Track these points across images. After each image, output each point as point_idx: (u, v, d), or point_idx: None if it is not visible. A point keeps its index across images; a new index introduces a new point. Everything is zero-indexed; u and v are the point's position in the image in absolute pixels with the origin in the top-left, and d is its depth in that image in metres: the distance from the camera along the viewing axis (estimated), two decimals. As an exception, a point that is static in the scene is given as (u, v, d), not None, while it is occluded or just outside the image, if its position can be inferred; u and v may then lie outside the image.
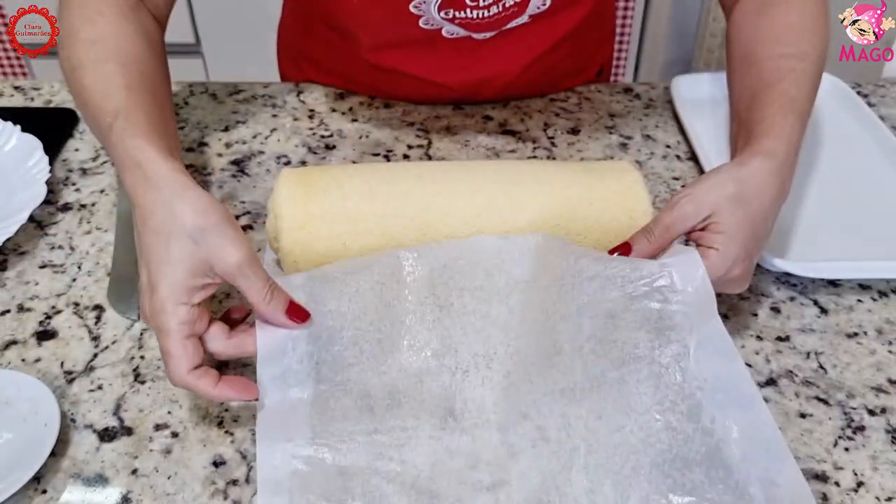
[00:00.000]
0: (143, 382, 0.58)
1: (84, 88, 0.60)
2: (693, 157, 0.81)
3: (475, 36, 0.81)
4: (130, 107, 0.58)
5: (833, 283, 0.67)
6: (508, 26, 0.80)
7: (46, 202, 0.73)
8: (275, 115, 0.87)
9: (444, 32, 0.80)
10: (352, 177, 0.64)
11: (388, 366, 0.56)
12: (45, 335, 0.62)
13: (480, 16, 0.77)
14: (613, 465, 0.51)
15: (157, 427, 0.55)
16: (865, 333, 0.63)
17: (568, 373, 0.54)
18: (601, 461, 0.51)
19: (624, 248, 0.59)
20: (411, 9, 0.76)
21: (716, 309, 0.54)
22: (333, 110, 0.88)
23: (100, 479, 0.52)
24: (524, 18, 0.80)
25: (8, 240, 0.67)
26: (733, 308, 0.65)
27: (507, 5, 0.77)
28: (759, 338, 0.62)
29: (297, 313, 0.54)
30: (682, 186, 0.77)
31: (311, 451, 0.51)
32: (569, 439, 0.52)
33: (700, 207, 0.58)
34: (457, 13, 0.77)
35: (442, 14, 0.77)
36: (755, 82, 0.68)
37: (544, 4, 0.79)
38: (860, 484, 0.53)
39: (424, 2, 0.76)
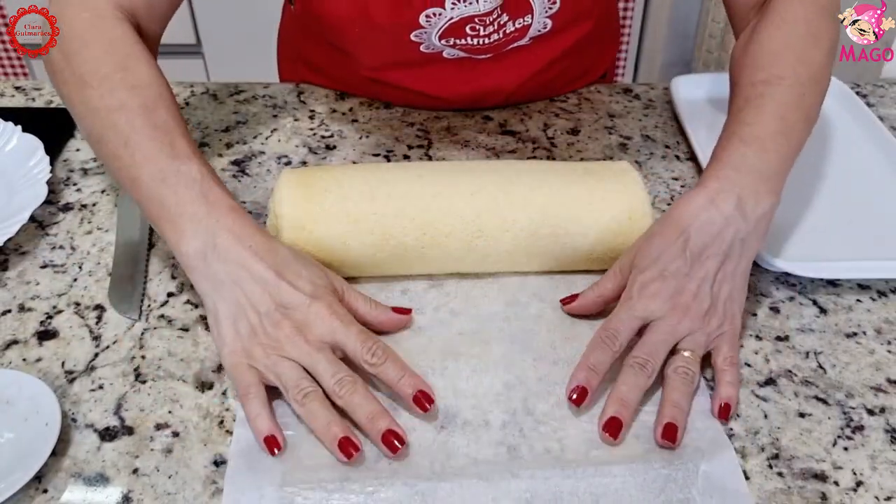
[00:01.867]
0: (143, 382, 0.58)
1: (135, 129, 0.61)
2: (692, 158, 0.81)
3: (475, 57, 0.81)
4: (197, 156, 0.61)
5: (832, 283, 0.67)
6: (509, 48, 0.80)
7: (47, 202, 0.73)
8: (275, 116, 0.87)
9: (444, 55, 0.80)
10: (352, 177, 0.64)
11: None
12: (46, 335, 0.62)
13: (481, 42, 0.77)
14: None
15: (158, 426, 0.55)
16: (864, 333, 0.63)
17: (571, 457, 0.53)
18: None
19: (570, 299, 0.63)
20: (412, 37, 0.76)
21: (728, 442, 0.54)
22: (334, 111, 0.88)
23: (101, 479, 0.52)
24: (525, 41, 0.80)
25: (9, 240, 0.67)
26: (733, 308, 0.65)
27: (507, 31, 0.77)
28: (758, 337, 0.63)
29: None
30: (682, 187, 0.78)
31: (277, 500, 0.50)
32: None
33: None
34: (458, 41, 0.77)
35: (443, 41, 0.77)
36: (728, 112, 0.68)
37: (545, 27, 0.79)
38: (859, 483, 0.53)
39: (425, 31, 0.76)
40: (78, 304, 0.65)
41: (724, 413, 0.56)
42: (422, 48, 0.78)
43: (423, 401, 0.54)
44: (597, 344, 0.57)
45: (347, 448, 0.52)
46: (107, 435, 0.55)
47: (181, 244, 0.58)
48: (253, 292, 0.56)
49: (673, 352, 0.57)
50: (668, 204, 0.75)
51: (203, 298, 0.58)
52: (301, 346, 0.55)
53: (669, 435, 0.54)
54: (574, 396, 0.55)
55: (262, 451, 0.53)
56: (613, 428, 0.54)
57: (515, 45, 0.80)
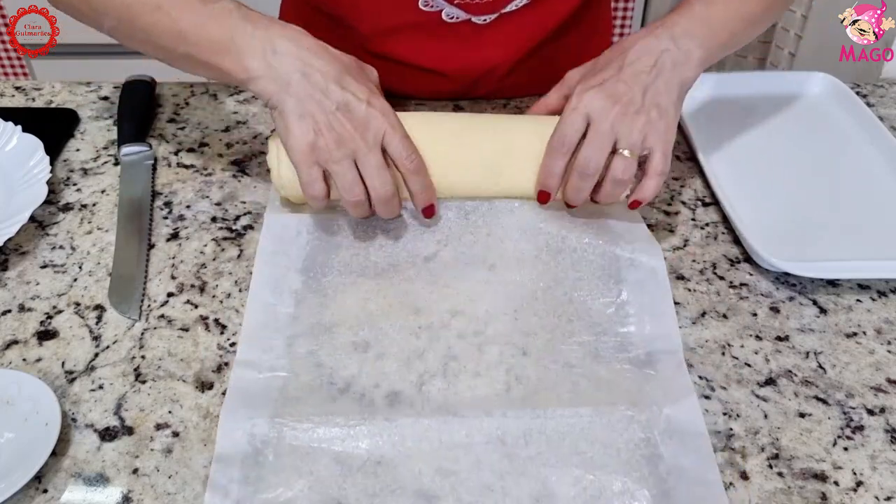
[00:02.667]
0: (143, 382, 0.58)
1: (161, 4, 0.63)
2: (692, 158, 0.81)
3: (475, 19, 0.81)
4: None
5: (832, 283, 0.67)
6: (508, 9, 0.80)
7: (47, 202, 0.73)
8: (275, 116, 0.87)
9: (443, 15, 0.80)
10: None
11: (359, 368, 0.58)
12: (46, 335, 0.62)
13: None
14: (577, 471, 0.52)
15: (158, 426, 0.56)
16: (864, 333, 0.63)
17: (541, 401, 0.56)
18: (561, 466, 0.53)
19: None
20: None
21: (692, 389, 0.57)
22: (334, 110, 0.88)
23: (101, 479, 0.52)
24: (524, 0, 0.80)
25: (9, 240, 0.67)
26: (732, 308, 0.65)
27: None
28: (758, 337, 0.63)
29: None
30: (682, 187, 0.78)
31: (268, 430, 0.53)
32: (526, 447, 0.53)
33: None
34: None
35: None
36: None
37: None
38: (859, 483, 0.53)
39: None
40: (78, 304, 0.65)
41: (634, 205, 0.66)
42: (420, 4, 0.78)
43: (429, 211, 0.67)
44: (551, 151, 0.65)
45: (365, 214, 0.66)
46: (107, 435, 0.55)
47: (245, 61, 0.62)
48: (317, 87, 0.62)
49: (613, 152, 0.64)
50: (669, 204, 0.75)
51: (270, 100, 0.62)
52: (359, 143, 0.62)
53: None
54: (541, 200, 0.67)
55: (256, 391, 0.56)
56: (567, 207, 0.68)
57: (514, 5, 0.80)
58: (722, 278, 0.68)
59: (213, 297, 0.65)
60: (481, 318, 0.61)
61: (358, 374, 0.58)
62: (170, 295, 0.65)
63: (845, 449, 0.55)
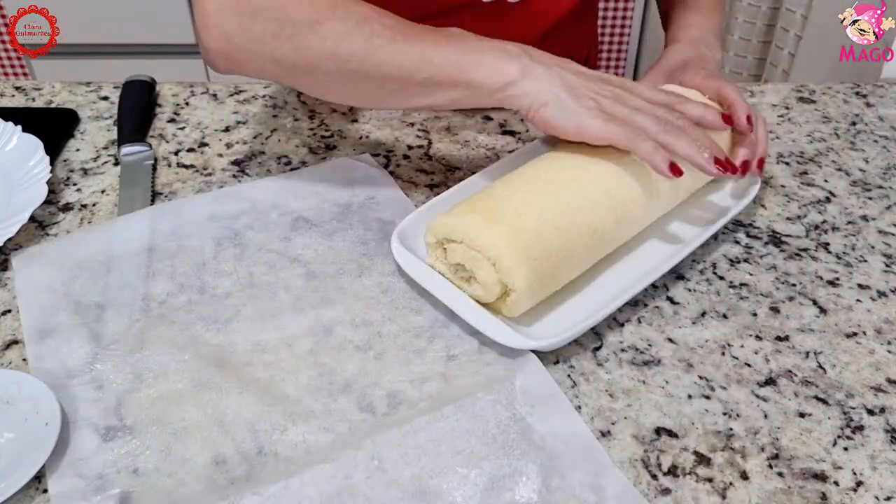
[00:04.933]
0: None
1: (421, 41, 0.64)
2: (693, 158, 0.81)
3: None
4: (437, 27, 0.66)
5: (832, 283, 0.67)
6: None
7: (47, 202, 0.73)
8: (275, 116, 0.87)
9: None
10: (511, 195, 0.63)
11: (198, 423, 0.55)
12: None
13: None
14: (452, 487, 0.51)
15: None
16: (864, 333, 0.63)
17: (403, 414, 0.55)
18: (447, 472, 0.52)
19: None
20: None
21: (529, 353, 0.59)
22: (334, 110, 0.88)
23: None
24: None
25: (9, 240, 0.67)
26: (732, 308, 0.65)
27: None
28: (758, 337, 0.63)
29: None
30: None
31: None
32: (407, 466, 0.52)
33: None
34: None
35: None
36: None
37: None
38: (859, 483, 0.53)
39: None
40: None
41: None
42: None
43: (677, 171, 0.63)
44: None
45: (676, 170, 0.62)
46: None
47: (505, 70, 0.63)
48: (576, 74, 0.65)
49: None
50: (668, 204, 0.75)
51: (537, 97, 0.63)
52: (632, 98, 0.65)
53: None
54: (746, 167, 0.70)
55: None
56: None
57: None
58: (722, 278, 0.68)
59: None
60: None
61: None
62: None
63: (845, 449, 0.55)
